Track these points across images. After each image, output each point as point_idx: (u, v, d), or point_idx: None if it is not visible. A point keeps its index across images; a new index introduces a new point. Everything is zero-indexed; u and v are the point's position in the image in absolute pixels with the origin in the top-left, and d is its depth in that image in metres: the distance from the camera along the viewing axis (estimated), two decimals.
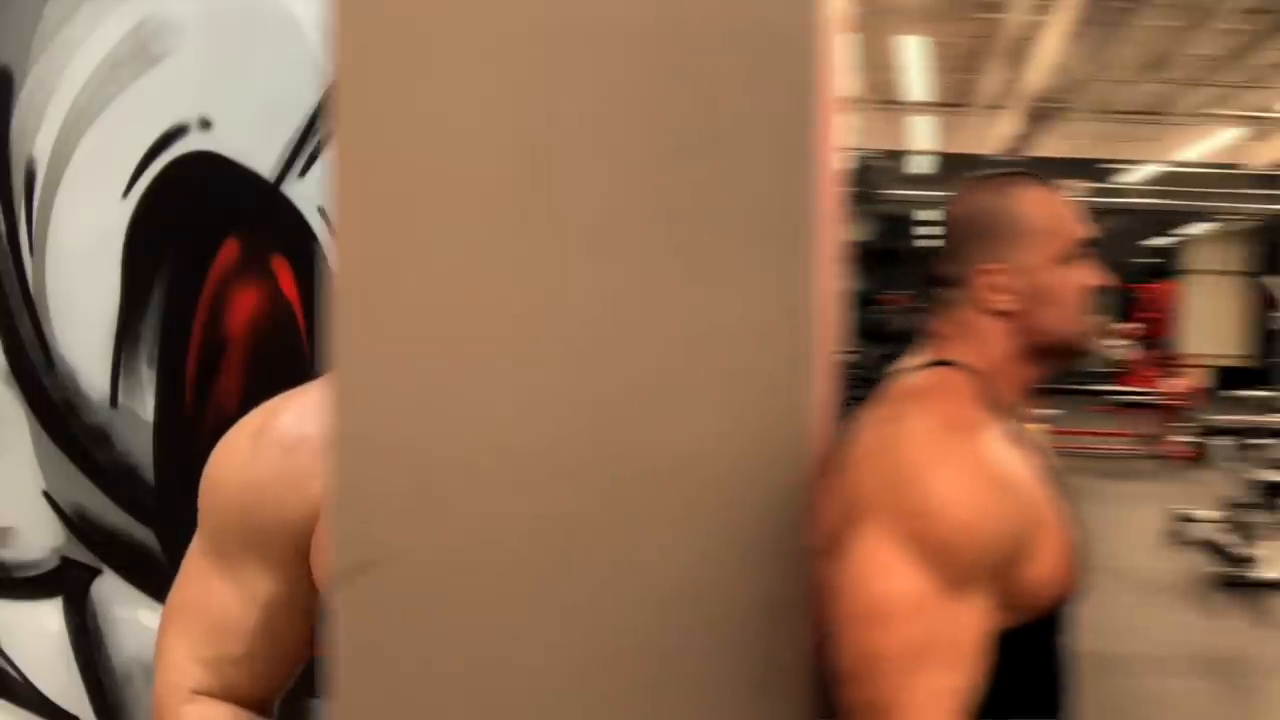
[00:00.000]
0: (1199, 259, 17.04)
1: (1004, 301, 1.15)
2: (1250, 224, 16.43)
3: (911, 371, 1.16)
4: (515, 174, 1.08)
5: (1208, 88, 11.98)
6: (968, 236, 1.19)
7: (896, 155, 12.81)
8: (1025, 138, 11.68)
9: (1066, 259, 1.16)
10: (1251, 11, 7.32)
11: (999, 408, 1.12)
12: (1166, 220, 16.84)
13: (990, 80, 10.36)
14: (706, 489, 1.06)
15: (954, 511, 0.99)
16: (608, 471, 1.06)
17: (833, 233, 1.16)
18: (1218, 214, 15.77)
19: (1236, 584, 5.59)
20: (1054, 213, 1.17)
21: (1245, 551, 5.88)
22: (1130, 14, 7.38)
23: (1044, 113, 11.03)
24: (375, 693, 1.09)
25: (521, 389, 1.07)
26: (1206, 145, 12.04)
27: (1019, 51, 9.43)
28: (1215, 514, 6.33)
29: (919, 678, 0.96)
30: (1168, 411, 9.67)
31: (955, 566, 0.99)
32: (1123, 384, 11.94)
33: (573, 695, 1.07)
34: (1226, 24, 7.65)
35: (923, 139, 12.33)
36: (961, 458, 1.03)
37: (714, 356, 1.05)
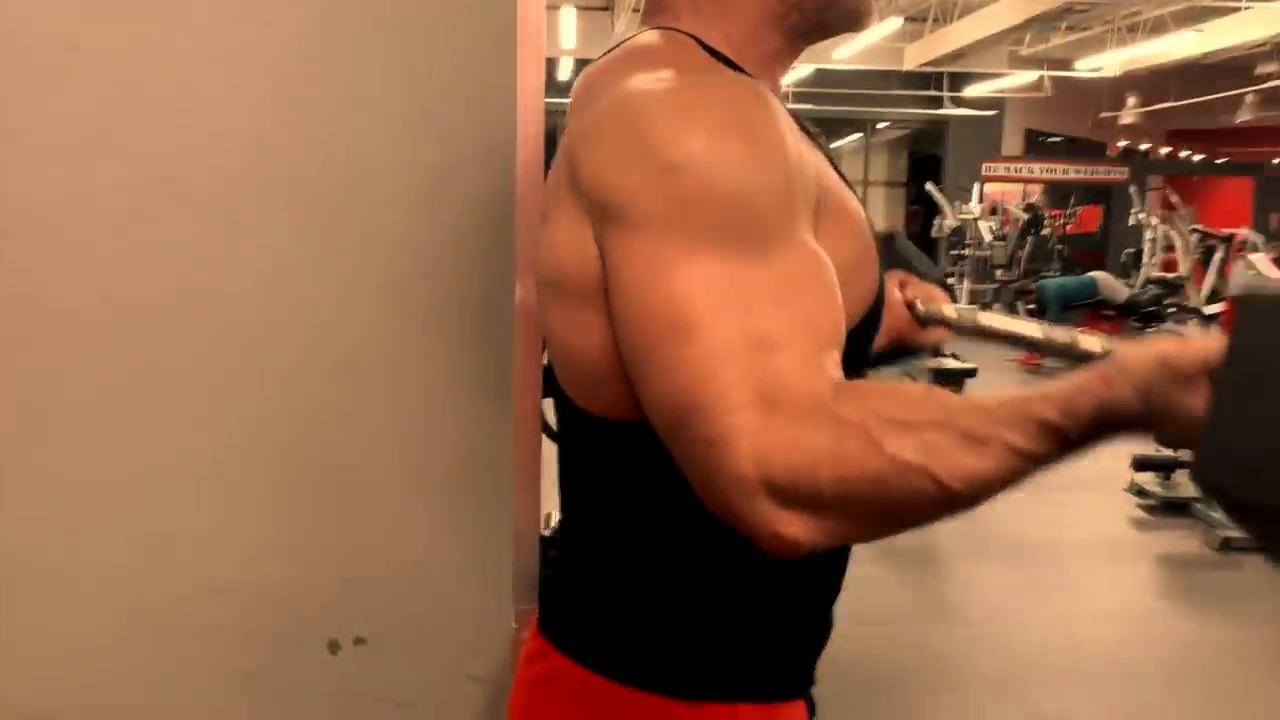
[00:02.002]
0: (850, 168, 17.58)
1: None
2: (904, 130, 17.16)
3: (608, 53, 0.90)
4: None
5: None
6: None
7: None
8: None
9: None
10: None
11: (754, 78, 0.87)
12: (819, 128, 17.23)
13: None
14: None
15: (722, 153, 0.75)
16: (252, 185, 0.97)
17: None
18: (871, 119, 16.31)
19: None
20: None
21: None
22: None
23: None
24: None
25: None
26: (860, 44, 12.07)
27: None
28: None
29: (756, 377, 0.71)
30: None
31: (750, 223, 0.75)
32: None
33: (219, 491, 1.02)
34: None
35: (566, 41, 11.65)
36: (705, 91, 0.80)
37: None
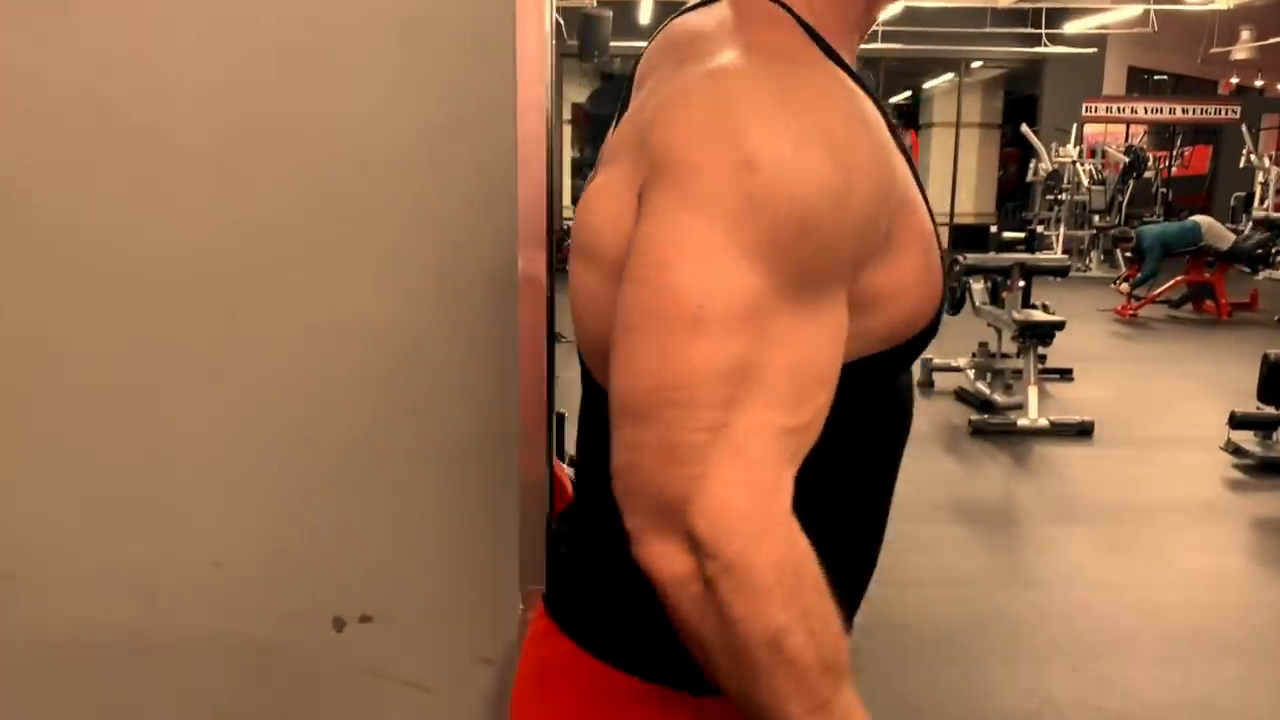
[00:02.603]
0: (942, 110, 17.00)
1: None
2: (999, 69, 16.52)
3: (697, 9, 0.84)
4: None
5: None
6: None
7: (623, 4, 11.70)
8: None
9: None
10: None
11: (841, 58, 0.79)
12: (911, 69, 16.69)
13: None
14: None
15: (806, 167, 0.67)
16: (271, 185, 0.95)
17: None
18: (964, 58, 15.73)
19: (992, 431, 5.40)
20: None
21: (999, 399, 5.73)
22: None
23: None
24: None
25: None
26: None
27: None
28: (968, 363, 5.97)
29: (736, 413, 0.67)
30: None
31: (807, 254, 0.68)
32: None
33: (224, 469, 1.00)
34: None
35: None
36: (810, 93, 0.71)
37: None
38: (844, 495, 0.86)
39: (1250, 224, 9.38)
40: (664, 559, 0.69)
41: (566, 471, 1.20)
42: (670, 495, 0.68)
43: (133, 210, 0.96)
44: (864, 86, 0.81)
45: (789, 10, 0.81)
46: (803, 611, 0.68)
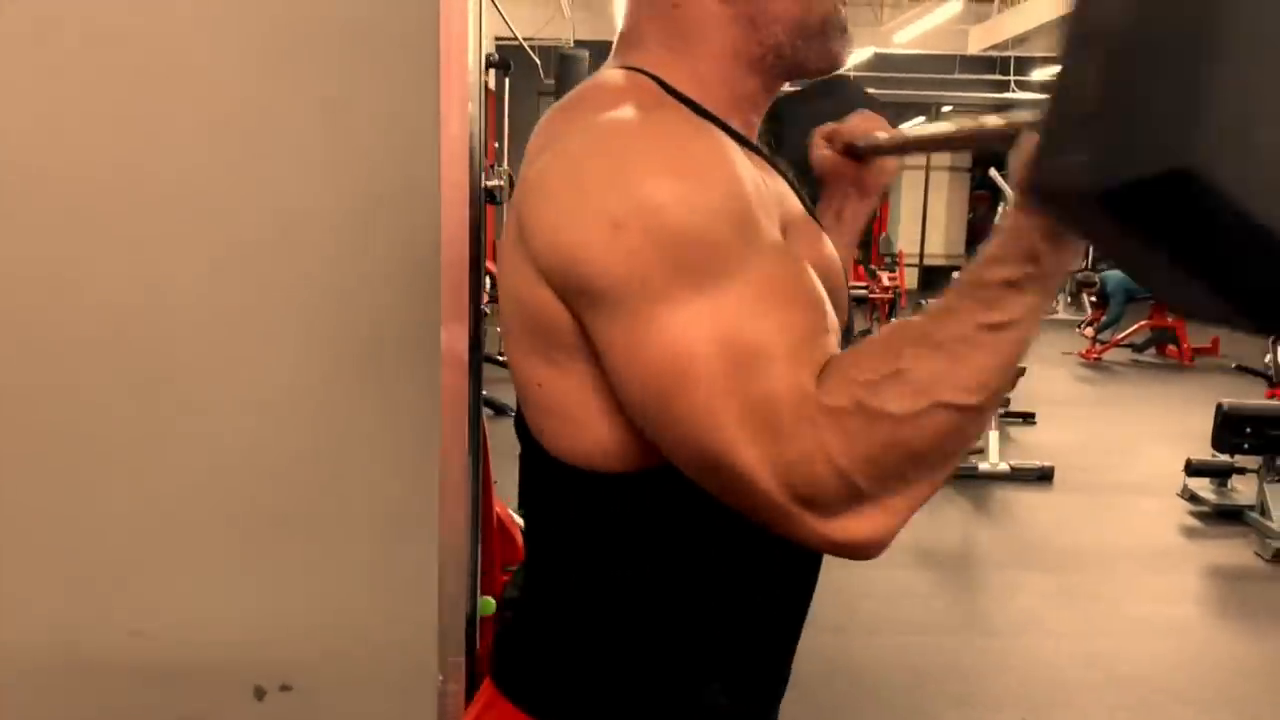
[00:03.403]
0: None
1: None
2: (969, 113, 16.80)
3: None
4: None
5: None
6: None
7: (599, 45, 11.90)
8: None
9: None
10: None
11: (719, 118, 0.86)
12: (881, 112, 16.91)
13: None
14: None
15: (663, 195, 0.72)
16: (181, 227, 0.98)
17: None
18: (934, 102, 15.99)
19: (954, 475, 5.21)
20: None
21: None
22: None
23: None
24: None
25: None
26: (921, 27, 11.82)
27: None
28: None
29: (760, 401, 0.70)
30: (883, 307, 9.51)
31: (715, 257, 0.72)
32: None
33: (146, 539, 1.03)
34: None
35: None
36: (646, 131, 0.77)
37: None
38: (770, 542, 0.88)
39: None
40: (845, 531, 0.72)
41: (518, 522, 1.21)
42: (781, 505, 0.71)
43: (61, 278, 0.98)
44: (751, 145, 0.87)
45: (653, 78, 0.86)
46: (898, 404, 0.69)
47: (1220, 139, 0.46)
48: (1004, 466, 5.40)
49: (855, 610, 3.67)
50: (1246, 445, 4.69)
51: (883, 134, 1.13)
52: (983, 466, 5.38)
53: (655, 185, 0.73)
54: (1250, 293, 0.51)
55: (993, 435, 5.51)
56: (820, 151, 1.18)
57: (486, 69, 5.08)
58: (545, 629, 0.92)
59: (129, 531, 1.02)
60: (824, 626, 3.54)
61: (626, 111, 0.80)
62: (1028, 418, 6.70)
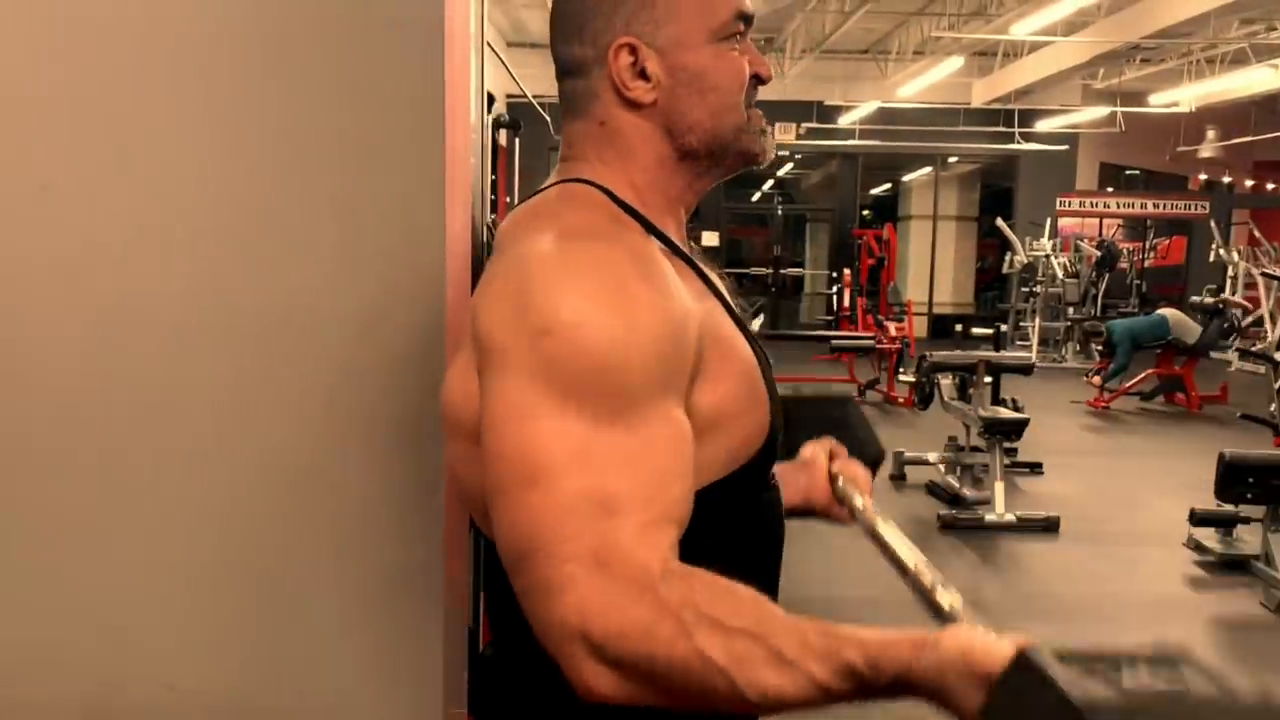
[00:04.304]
0: (920, 203, 17.40)
1: (643, 90, 0.97)
2: (975, 164, 16.96)
3: (535, 194, 1.00)
4: None
5: (928, 17, 11.99)
6: (599, 4, 0.97)
7: None
8: None
9: (721, 37, 0.98)
10: None
11: (655, 225, 0.96)
12: (889, 163, 17.12)
13: None
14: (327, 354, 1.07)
15: (589, 323, 0.81)
16: (201, 319, 1.06)
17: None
18: (940, 154, 16.16)
19: (961, 526, 5.48)
20: None
21: (968, 493, 5.81)
22: None
23: (756, 47, 10.73)
24: None
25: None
26: (925, 81, 12.01)
27: None
28: (939, 457, 6.06)
29: (592, 536, 0.77)
30: (891, 357, 9.56)
31: (611, 391, 0.81)
32: (845, 329, 12.06)
33: (177, 597, 1.10)
34: None
35: None
36: (588, 260, 0.86)
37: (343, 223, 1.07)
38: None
39: (1201, 314, 9.56)
40: (596, 679, 0.78)
41: None
42: (567, 626, 0.78)
43: (97, 372, 1.07)
44: (681, 252, 0.97)
45: (606, 191, 0.96)
46: (710, 627, 0.75)
47: None
48: (1010, 517, 5.43)
49: None
50: (1249, 495, 4.72)
51: (859, 499, 1.21)
52: (989, 517, 5.42)
53: (587, 311, 0.82)
54: None
55: (999, 486, 5.55)
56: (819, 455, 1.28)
57: (497, 129, 5.22)
58: (512, 663, 0.99)
59: (163, 597, 1.10)
60: None
61: (576, 230, 0.89)
62: (1035, 468, 6.74)
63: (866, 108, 13.78)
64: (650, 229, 0.96)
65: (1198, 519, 4.99)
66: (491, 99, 5.24)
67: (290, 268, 1.07)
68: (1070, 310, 12.71)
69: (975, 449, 6.11)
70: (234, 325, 1.07)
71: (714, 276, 1.02)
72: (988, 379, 6.21)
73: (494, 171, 5.73)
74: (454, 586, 1.12)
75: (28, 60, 1.04)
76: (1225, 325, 9.46)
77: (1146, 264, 16.55)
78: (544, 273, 0.85)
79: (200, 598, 1.11)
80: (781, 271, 16.34)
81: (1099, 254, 12.90)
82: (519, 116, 4.79)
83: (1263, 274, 9.78)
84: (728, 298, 1.01)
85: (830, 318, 14.16)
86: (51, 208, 1.05)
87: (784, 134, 15.26)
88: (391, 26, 1.06)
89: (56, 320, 1.06)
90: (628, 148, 0.99)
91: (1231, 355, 9.84)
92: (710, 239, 15.06)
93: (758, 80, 1.02)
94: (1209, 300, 9.77)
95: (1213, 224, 13.61)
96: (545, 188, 1.01)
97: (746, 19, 1.00)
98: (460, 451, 0.93)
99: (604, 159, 0.99)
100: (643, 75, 0.97)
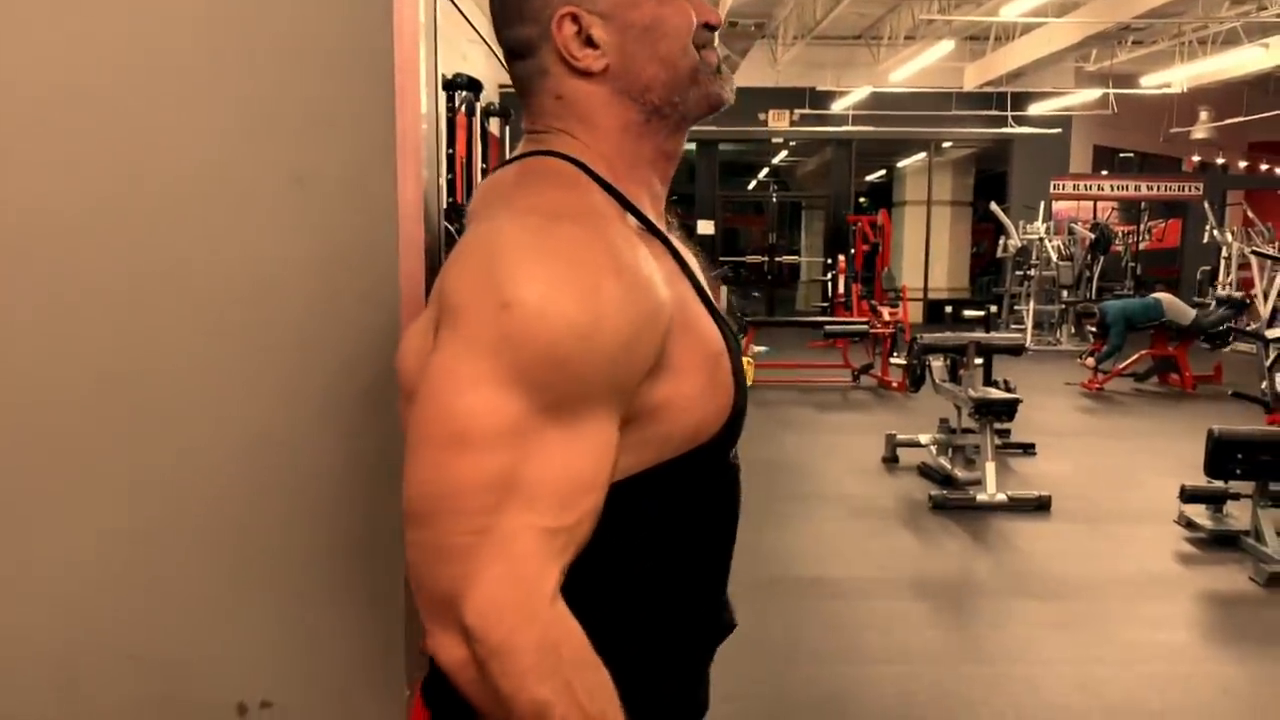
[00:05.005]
0: (914, 188, 17.39)
1: (592, 58, 0.96)
2: (969, 148, 16.95)
3: (507, 164, 0.98)
4: None
5: (919, 1, 11.97)
6: None
7: None
8: (727, 60, 11.33)
9: None
10: None
11: (629, 200, 0.95)
12: (883, 149, 17.10)
13: None
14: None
15: (555, 308, 0.80)
16: (161, 290, 1.08)
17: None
18: (933, 139, 16.14)
19: (952, 506, 5.49)
20: None
21: (960, 474, 5.83)
22: None
23: (744, 36, 10.71)
24: None
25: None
26: (917, 65, 11.99)
27: None
28: (931, 438, 6.08)
29: (499, 518, 0.79)
30: (885, 342, 9.58)
31: (559, 382, 0.81)
32: (840, 315, 12.08)
33: (139, 568, 1.11)
34: None
35: None
36: (564, 245, 0.84)
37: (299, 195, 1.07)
38: (664, 586, 0.96)
39: (1214, 302, 9.60)
40: (445, 648, 0.81)
41: None
42: (443, 591, 0.79)
43: (58, 336, 1.08)
44: (656, 230, 0.95)
45: (580, 165, 0.95)
46: (564, 685, 0.79)
47: None
48: (1001, 497, 5.45)
49: (853, 641, 3.72)
50: (1239, 471, 4.74)
51: None
52: (980, 497, 5.44)
53: (552, 298, 0.81)
54: None
55: (990, 466, 5.57)
56: None
57: (488, 117, 5.22)
58: None
59: (125, 562, 1.11)
60: (822, 656, 3.60)
61: (553, 208, 0.88)
62: (1027, 448, 6.76)
63: (859, 93, 13.77)
64: (626, 205, 0.95)
65: (1188, 496, 5.01)
66: (479, 86, 5.28)
67: (250, 235, 1.08)
68: (1064, 293, 12.72)
69: (967, 431, 6.12)
70: (189, 297, 1.08)
71: (686, 253, 1.01)
72: (979, 360, 6.22)
73: (485, 159, 5.79)
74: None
75: None
76: (1229, 312, 9.48)
77: (1141, 246, 16.55)
78: (517, 248, 0.84)
79: (169, 564, 1.12)
80: (777, 259, 16.35)
81: (1092, 237, 12.89)
82: (510, 105, 4.80)
83: (1253, 252, 9.77)
84: (699, 276, 1.00)
85: (826, 304, 14.17)
86: (3, 185, 1.05)
87: (778, 121, 15.25)
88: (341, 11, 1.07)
89: (9, 296, 1.07)
90: (589, 118, 0.97)
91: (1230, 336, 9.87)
92: (706, 227, 15.07)
93: (708, 27, 0.99)
94: (1235, 294, 9.80)
95: (1206, 205, 13.59)
96: (513, 159, 1.00)
97: None
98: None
99: (571, 132, 0.98)
100: (590, 43, 0.95)
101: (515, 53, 0.99)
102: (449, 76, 4.97)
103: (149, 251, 1.07)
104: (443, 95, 1.28)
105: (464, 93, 5.09)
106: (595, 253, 0.85)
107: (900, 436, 6.50)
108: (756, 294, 16.57)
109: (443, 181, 1.22)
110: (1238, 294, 10.00)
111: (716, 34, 1.01)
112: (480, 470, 0.79)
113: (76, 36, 1.05)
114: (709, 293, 1.00)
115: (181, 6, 1.06)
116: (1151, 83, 13.06)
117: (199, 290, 1.08)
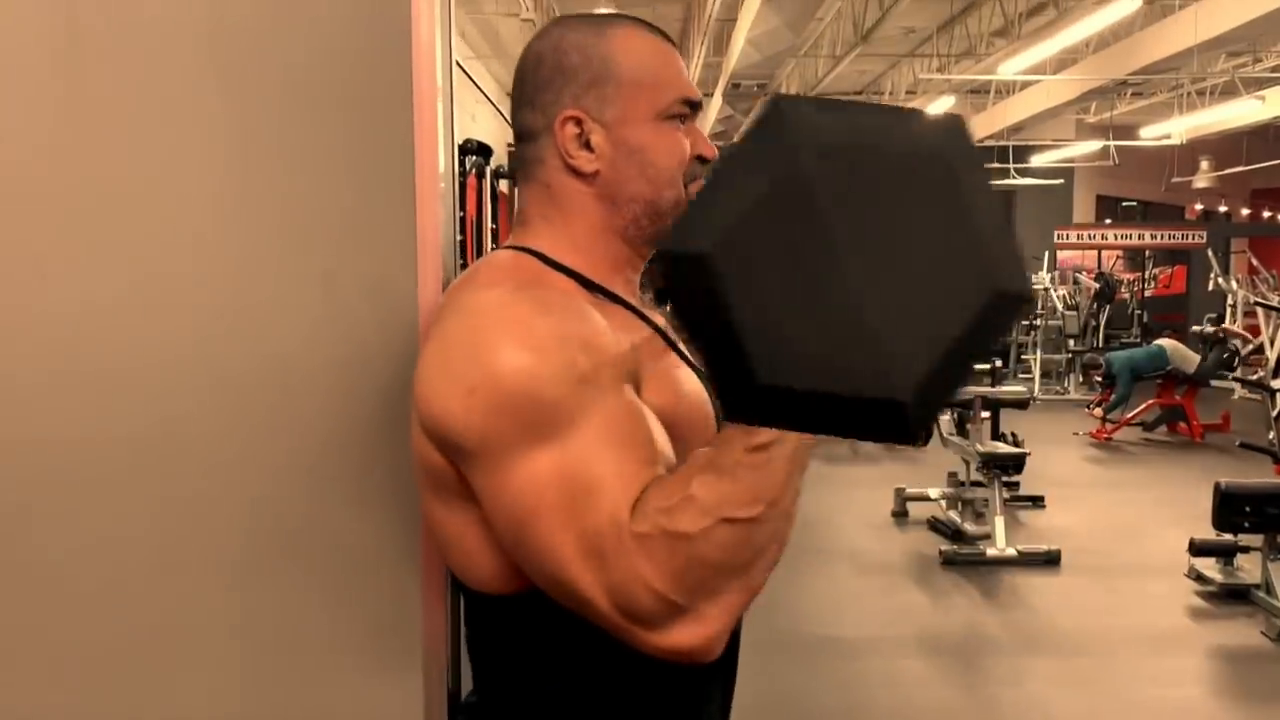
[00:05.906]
0: None
1: (585, 160, 1.04)
2: None
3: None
4: None
5: (918, 59, 12.16)
6: (552, 78, 1.04)
7: None
8: (730, 121, 11.51)
9: (665, 117, 1.04)
10: None
11: (592, 280, 1.04)
12: None
13: (691, 64, 10.06)
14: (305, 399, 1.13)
15: (506, 360, 0.90)
16: (194, 382, 1.12)
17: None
18: None
19: (962, 561, 5.49)
20: (657, 62, 1.05)
21: (970, 528, 5.82)
22: None
23: (749, 94, 10.88)
24: None
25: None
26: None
27: (719, 33, 9.10)
28: (940, 492, 6.09)
29: (586, 519, 0.85)
30: None
31: (548, 410, 0.88)
32: None
33: (163, 635, 1.14)
34: None
35: None
36: (492, 310, 0.94)
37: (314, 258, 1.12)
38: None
39: (1212, 346, 9.59)
40: (670, 639, 0.85)
41: None
42: (618, 623, 0.85)
43: (98, 427, 1.14)
44: (623, 301, 1.04)
45: (541, 256, 1.03)
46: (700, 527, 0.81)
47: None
48: (1011, 551, 5.45)
49: (864, 700, 3.72)
50: (1246, 524, 4.74)
51: None
52: (990, 552, 5.44)
53: (500, 358, 0.89)
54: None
55: (999, 520, 5.57)
56: None
57: (497, 179, 5.32)
58: (495, 709, 1.06)
59: (156, 648, 1.16)
60: (833, 715, 3.60)
61: (494, 294, 0.96)
62: (1036, 501, 6.75)
63: None
64: (586, 283, 1.02)
65: (1197, 549, 5.00)
66: (489, 151, 5.40)
67: (278, 332, 1.14)
68: (1071, 342, 12.75)
69: (976, 484, 6.13)
70: (228, 386, 1.14)
71: (660, 321, 1.09)
72: (985, 414, 6.25)
73: (495, 220, 5.89)
74: (432, 632, 1.17)
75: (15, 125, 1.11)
76: (1225, 355, 9.49)
77: (1147, 294, 16.60)
78: (460, 338, 0.93)
79: (185, 648, 1.16)
80: None
81: (1097, 286, 12.95)
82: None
83: (1257, 304, 9.79)
84: (676, 342, 1.07)
85: None
86: (47, 275, 1.12)
87: None
88: (362, 104, 1.13)
89: (51, 380, 1.13)
90: (570, 211, 1.05)
91: (1233, 384, 9.87)
92: None
93: (702, 160, 1.06)
94: (1209, 330, 9.81)
95: (1210, 253, 13.65)
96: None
97: (692, 104, 1.06)
98: (440, 500, 0.99)
99: (548, 218, 1.06)
100: (587, 146, 1.03)
101: (521, 136, 1.08)
102: (460, 143, 5.09)
103: (189, 351, 1.13)
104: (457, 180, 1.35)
105: (474, 157, 5.21)
106: (519, 306, 0.93)
107: (909, 490, 6.50)
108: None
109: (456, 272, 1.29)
110: (1209, 329, 9.93)
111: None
112: (556, 522, 0.86)
113: (112, 140, 1.11)
114: (689, 357, 1.06)
115: (220, 108, 1.12)
116: (1151, 134, 13.19)
117: (234, 384, 1.13)
